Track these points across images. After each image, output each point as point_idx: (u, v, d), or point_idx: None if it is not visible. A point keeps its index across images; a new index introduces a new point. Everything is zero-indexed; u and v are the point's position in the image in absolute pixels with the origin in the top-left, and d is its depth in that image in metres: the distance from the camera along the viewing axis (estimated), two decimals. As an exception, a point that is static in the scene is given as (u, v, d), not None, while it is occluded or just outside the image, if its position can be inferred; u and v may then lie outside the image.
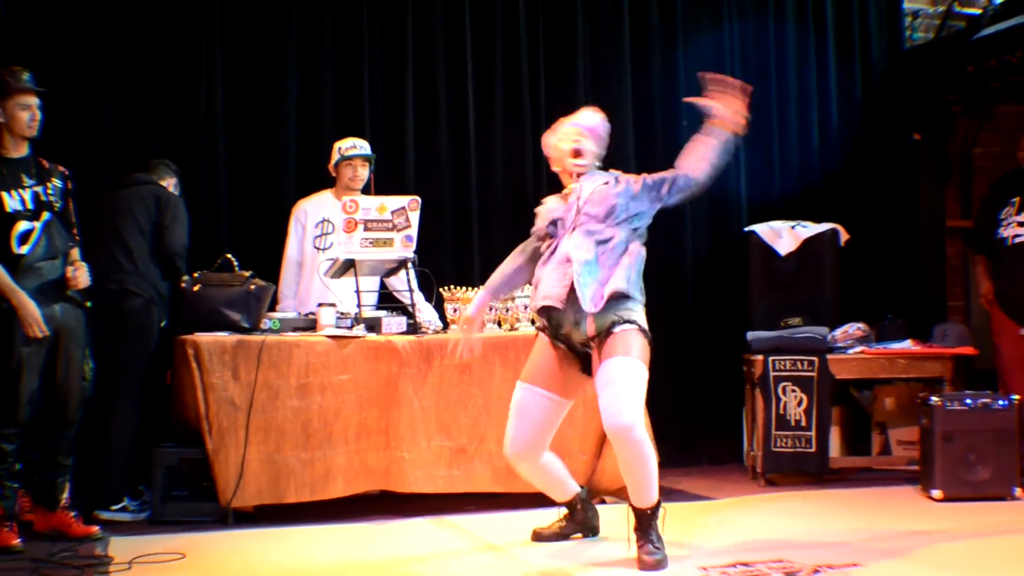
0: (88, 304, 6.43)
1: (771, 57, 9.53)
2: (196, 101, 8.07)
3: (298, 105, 8.32)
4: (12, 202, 6.09)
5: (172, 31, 8.05)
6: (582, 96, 8.93)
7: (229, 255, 7.17)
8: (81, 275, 6.27)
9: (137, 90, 7.95)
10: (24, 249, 6.10)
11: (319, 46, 8.40)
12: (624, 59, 9.12)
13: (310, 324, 6.98)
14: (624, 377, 5.53)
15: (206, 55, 8.10)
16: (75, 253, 6.36)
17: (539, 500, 6.83)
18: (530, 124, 8.83)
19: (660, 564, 5.47)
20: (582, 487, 6.23)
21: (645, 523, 5.61)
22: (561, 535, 6.12)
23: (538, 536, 6.09)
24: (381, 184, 7.78)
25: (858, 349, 8.09)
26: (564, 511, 6.19)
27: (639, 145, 9.11)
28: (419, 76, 8.61)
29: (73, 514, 6.31)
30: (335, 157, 7.60)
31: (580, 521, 6.18)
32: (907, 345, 8.15)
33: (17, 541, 5.97)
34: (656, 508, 5.63)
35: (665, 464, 7.51)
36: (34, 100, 6.23)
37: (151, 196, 7.11)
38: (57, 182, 6.31)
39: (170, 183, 7.31)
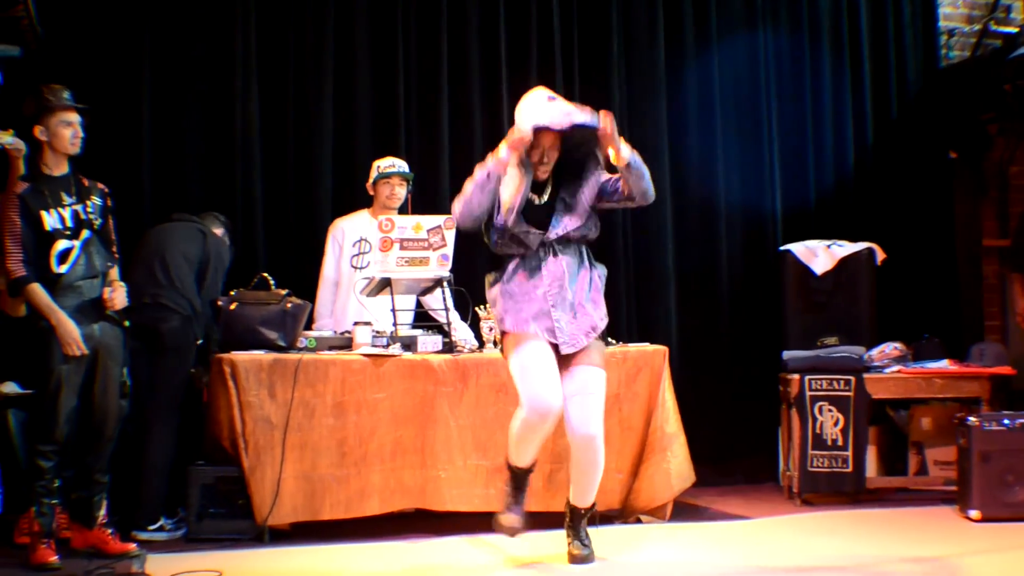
0: (127, 323, 6.46)
1: (806, 75, 9.52)
2: (232, 120, 8.09)
3: (334, 124, 8.33)
4: (51, 220, 6.11)
5: (207, 51, 8.08)
6: (617, 114, 8.92)
7: (265, 274, 7.19)
8: (118, 296, 6.29)
9: (172, 110, 7.98)
10: (63, 268, 6.12)
11: (354, 65, 8.42)
12: (659, 76, 9.12)
13: (346, 343, 6.99)
14: (596, 389, 5.88)
15: (242, 74, 8.12)
16: (114, 272, 6.39)
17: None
18: (565, 143, 8.83)
19: (588, 558, 5.97)
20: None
21: (578, 520, 6.04)
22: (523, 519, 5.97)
23: (504, 526, 5.95)
24: (416, 203, 7.79)
25: (895, 369, 8.06)
26: (509, 491, 6.01)
27: (673, 162, 9.11)
28: (454, 96, 8.63)
29: (110, 531, 6.32)
30: (373, 175, 7.61)
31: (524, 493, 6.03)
32: (944, 365, 8.11)
33: (55, 558, 5.98)
34: (591, 508, 6.06)
35: (700, 483, 7.55)
36: (76, 117, 6.26)
37: (198, 231, 7.16)
38: (97, 200, 6.33)
39: (218, 232, 7.35)
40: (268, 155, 8.20)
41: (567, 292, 5.86)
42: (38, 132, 6.19)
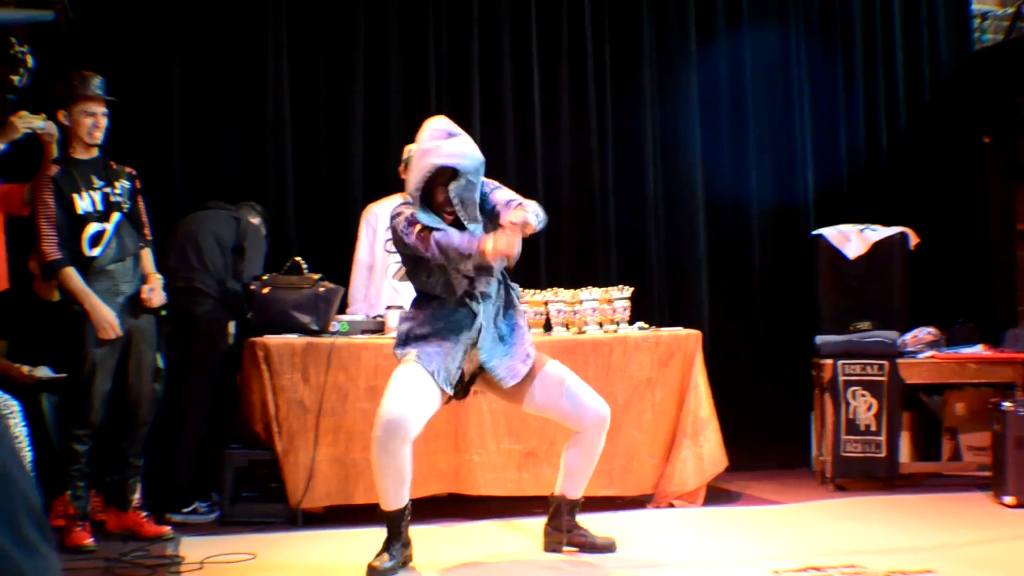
0: (163, 312, 6.48)
1: (838, 58, 9.48)
2: (263, 106, 8.10)
3: (365, 108, 8.34)
4: (83, 204, 6.15)
5: (238, 37, 8.10)
6: (648, 94, 8.92)
7: (298, 258, 7.20)
8: (156, 296, 6.33)
9: (205, 97, 8.01)
10: (96, 251, 6.16)
11: (385, 51, 8.42)
12: (690, 56, 9.11)
13: (378, 327, 7.00)
14: (570, 373, 5.76)
15: (273, 60, 8.13)
16: (147, 257, 6.41)
17: (609, 504, 6.84)
18: (596, 125, 8.83)
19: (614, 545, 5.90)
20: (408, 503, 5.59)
21: (576, 511, 5.91)
22: (396, 570, 5.49)
23: (375, 571, 5.44)
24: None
25: (928, 354, 8.01)
26: (385, 538, 5.54)
27: (705, 147, 9.08)
28: (485, 78, 8.63)
29: (144, 514, 6.35)
30: (405, 159, 7.60)
31: (406, 544, 5.59)
32: (978, 350, 8.07)
33: (90, 540, 6.02)
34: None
35: (733, 469, 7.54)
36: (100, 108, 6.28)
37: (232, 218, 7.20)
38: (125, 183, 6.36)
39: (254, 221, 7.37)
40: (299, 140, 8.21)
41: (495, 331, 5.61)
42: (61, 117, 6.25)
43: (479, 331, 5.51)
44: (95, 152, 6.32)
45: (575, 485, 5.85)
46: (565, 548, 5.88)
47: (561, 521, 5.89)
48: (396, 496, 5.47)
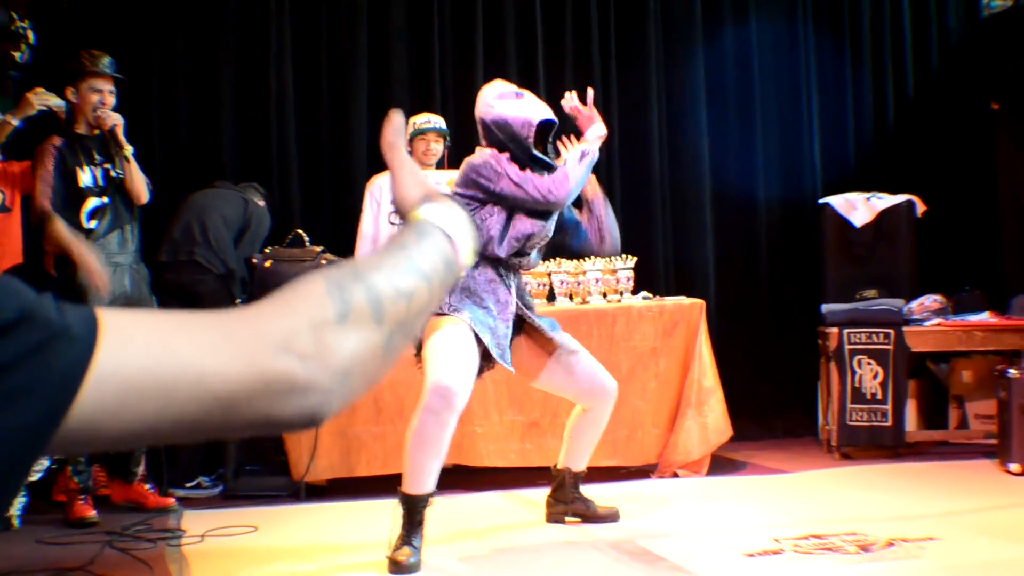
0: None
1: (845, 25, 9.42)
2: (266, 79, 8.08)
3: (368, 81, 8.32)
4: (85, 178, 6.20)
5: (241, 11, 8.09)
6: (654, 64, 8.88)
7: (300, 230, 7.20)
8: (107, 114, 6.31)
9: (208, 71, 8.00)
10: (93, 224, 6.20)
11: (388, 24, 8.39)
12: (696, 27, 9.05)
13: (381, 298, 6.98)
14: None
15: (276, 34, 8.11)
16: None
17: (612, 474, 6.85)
18: (600, 94, 8.77)
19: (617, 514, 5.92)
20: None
21: (580, 482, 5.90)
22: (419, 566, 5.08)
23: (400, 567, 5.01)
24: (452, 159, 7.77)
25: (935, 321, 7.97)
26: (401, 518, 5.08)
27: (711, 115, 9.05)
28: (489, 51, 8.59)
29: (148, 486, 6.38)
30: (409, 132, 7.59)
31: (421, 534, 5.14)
32: (985, 317, 8.03)
33: (92, 513, 6.06)
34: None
35: (739, 438, 7.55)
36: (107, 86, 6.33)
37: (239, 198, 7.22)
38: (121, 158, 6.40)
39: (260, 204, 7.39)
40: (303, 113, 8.21)
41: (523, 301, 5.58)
42: (69, 93, 6.29)
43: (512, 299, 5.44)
44: (97, 131, 6.34)
45: (579, 458, 5.85)
46: (568, 519, 5.88)
47: (565, 493, 5.88)
48: (430, 477, 5.07)
